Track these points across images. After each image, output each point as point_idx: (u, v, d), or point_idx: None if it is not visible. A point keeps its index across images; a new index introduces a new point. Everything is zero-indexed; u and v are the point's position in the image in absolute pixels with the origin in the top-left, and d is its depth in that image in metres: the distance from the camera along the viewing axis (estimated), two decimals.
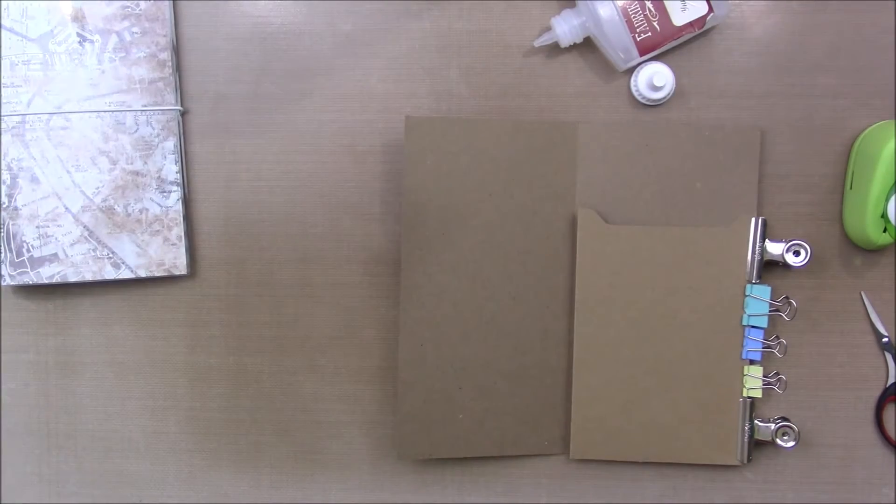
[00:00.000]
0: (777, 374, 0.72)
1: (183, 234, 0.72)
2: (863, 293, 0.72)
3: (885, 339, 0.72)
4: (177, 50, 0.72)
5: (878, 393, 0.72)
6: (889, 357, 0.72)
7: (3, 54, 0.70)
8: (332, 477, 0.75)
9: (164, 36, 0.71)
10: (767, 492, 0.73)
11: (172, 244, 0.72)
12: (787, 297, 0.71)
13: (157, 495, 0.75)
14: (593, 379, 0.70)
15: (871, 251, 0.71)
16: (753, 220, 0.70)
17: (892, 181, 0.66)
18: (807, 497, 0.73)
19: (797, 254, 0.69)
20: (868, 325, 0.72)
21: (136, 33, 0.71)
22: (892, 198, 0.66)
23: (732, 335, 0.70)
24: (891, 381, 0.72)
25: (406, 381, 0.70)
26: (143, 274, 0.72)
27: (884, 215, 0.67)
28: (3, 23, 0.70)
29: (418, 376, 0.70)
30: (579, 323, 0.70)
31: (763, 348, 0.70)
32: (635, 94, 0.71)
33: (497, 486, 0.74)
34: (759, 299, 0.70)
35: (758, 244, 0.69)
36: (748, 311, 0.70)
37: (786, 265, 0.69)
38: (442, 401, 0.71)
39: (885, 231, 0.67)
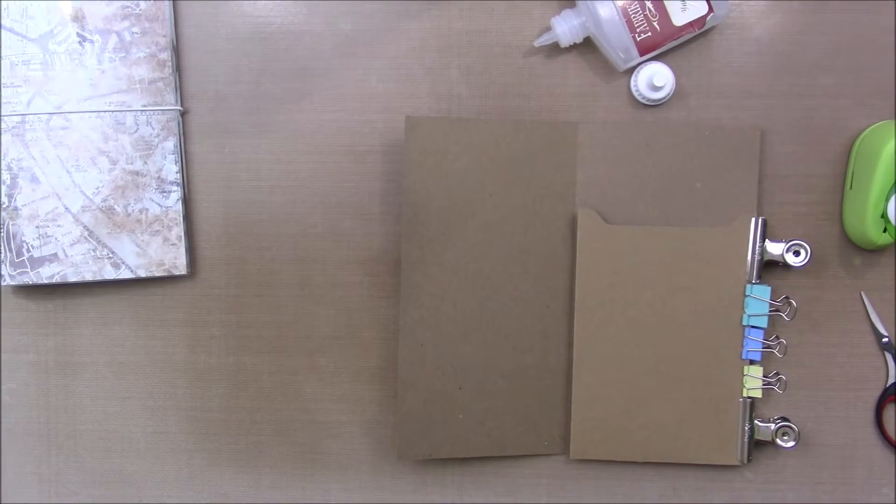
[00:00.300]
0: (777, 374, 0.72)
1: (183, 234, 0.72)
2: (863, 293, 0.72)
3: (885, 339, 0.72)
4: (177, 50, 0.72)
5: (878, 393, 0.72)
6: (889, 357, 0.72)
7: (3, 54, 0.70)
8: (332, 477, 0.75)
9: (164, 36, 0.71)
10: (767, 492, 0.73)
11: (172, 244, 0.72)
12: (787, 298, 0.71)
13: (157, 495, 0.75)
14: (593, 379, 0.70)
15: (871, 251, 0.71)
16: (753, 219, 0.70)
17: (892, 181, 0.66)
18: (807, 497, 0.73)
19: (797, 254, 0.69)
20: (868, 325, 0.72)
21: (136, 33, 0.71)
22: (892, 198, 0.66)
23: (732, 335, 0.70)
24: (891, 381, 0.72)
25: (406, 381, 0.70)
26: (143, 274, 0.72)
27: (884, 215, 0.67)
28: (3, 23, 0.70)
29: (418, 376, 0.70)
30: (579, 323, 0.70)
31: (763, 348, 0.70)
32: (635, 94, 0.71)
33: (497, 486, 0.74)
34: (759, 299, 0.70)
35: (758, 244, 0.69)
36: (748, 312, 0.70)
37: (786, 265, 0.69)
38: (442, 401, 0.71)
39: (885, 231, 0.67)
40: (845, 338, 0.72)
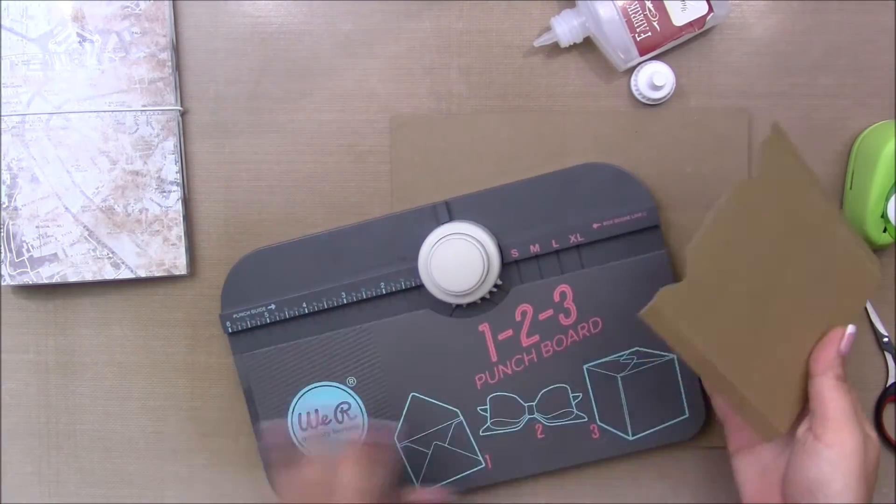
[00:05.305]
0: None
1: (183, 234, 0.72)
2: None
3: (886, 339, 0.72)
4: (177, 50, 0.72)
5: (878, 393, 0.72)
6: (889, 357, 0.72)
7: (3, 54, 0.70)
8: None
9: (164, 36, 0.71)
10: None
11: (172, 244, 0.72)
12: None
13: (158, 495, 0.75)
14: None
15: (871, 251, 0.71)
16: None
17: (892, 181, 0.66)
18: None
19: None
20: (868, 325, 0.72)
21: (136, 33, 0.71)
22: (892, 198, 0.66)
23: None
24: (891, 381, 0.72)
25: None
26: (143, 274, 0.72)
27: (884, 215, 0.67)
28: (3, 23, 0.70)
29: None
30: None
31: None
32: (635, 93, 0.71)
33: (497, 487, 0.74)
34: None
35: None
36: None
37: None
38: None
39: (885, 231, 0.67)
40: None
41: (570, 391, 0.70)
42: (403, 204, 0.71)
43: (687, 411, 0.70)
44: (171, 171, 0.71)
